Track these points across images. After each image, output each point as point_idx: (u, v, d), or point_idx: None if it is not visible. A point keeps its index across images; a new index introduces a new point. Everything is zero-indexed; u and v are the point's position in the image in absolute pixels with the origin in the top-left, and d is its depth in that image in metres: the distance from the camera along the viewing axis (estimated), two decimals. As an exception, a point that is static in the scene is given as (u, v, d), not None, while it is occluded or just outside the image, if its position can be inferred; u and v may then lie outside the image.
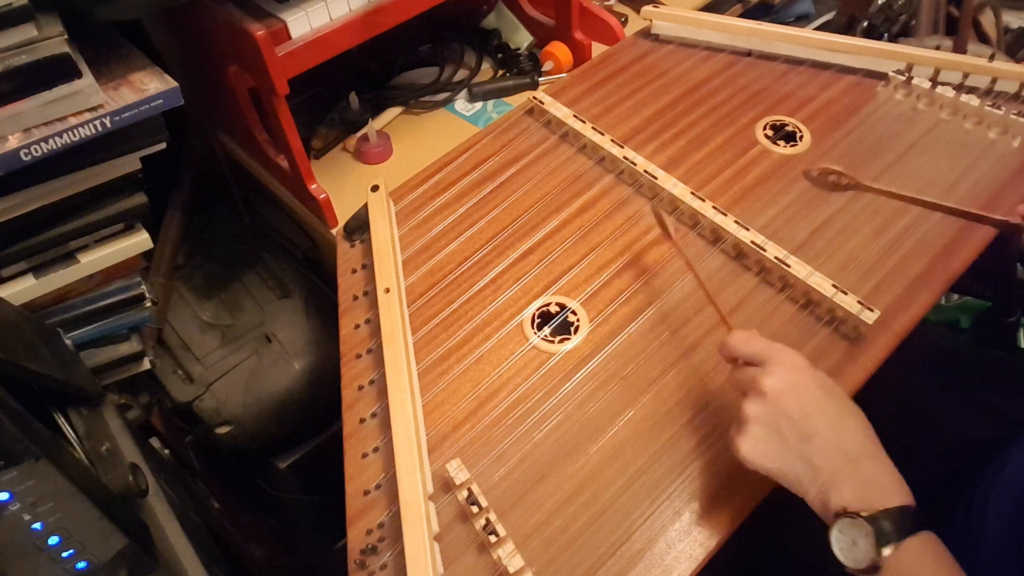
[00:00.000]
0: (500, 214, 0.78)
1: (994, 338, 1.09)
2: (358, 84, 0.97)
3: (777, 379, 0.51)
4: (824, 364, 0.62)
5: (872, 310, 0.63)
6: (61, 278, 0.71)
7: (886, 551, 0.45)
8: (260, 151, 0.87)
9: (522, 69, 1.01)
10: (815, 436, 0.49)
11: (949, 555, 0.46)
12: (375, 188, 0.79)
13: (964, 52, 1.29)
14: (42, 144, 0.60)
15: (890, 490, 0.47)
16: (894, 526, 0.45)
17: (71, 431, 0.64)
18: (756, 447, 0.51)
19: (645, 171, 0.76)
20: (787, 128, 0.82)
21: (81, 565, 0.51)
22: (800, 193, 0.75)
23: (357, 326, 0.70)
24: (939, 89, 0.81)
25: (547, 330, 0.68)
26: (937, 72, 0.82)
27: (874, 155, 0.78)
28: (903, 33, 1.44)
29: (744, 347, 0.54)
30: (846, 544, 0.46)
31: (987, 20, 1.41)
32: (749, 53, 0.92)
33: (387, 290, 0.69)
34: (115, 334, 0.78)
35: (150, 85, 0.65)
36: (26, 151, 0.60)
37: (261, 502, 1.01)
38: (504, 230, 0.76)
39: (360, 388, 0.66)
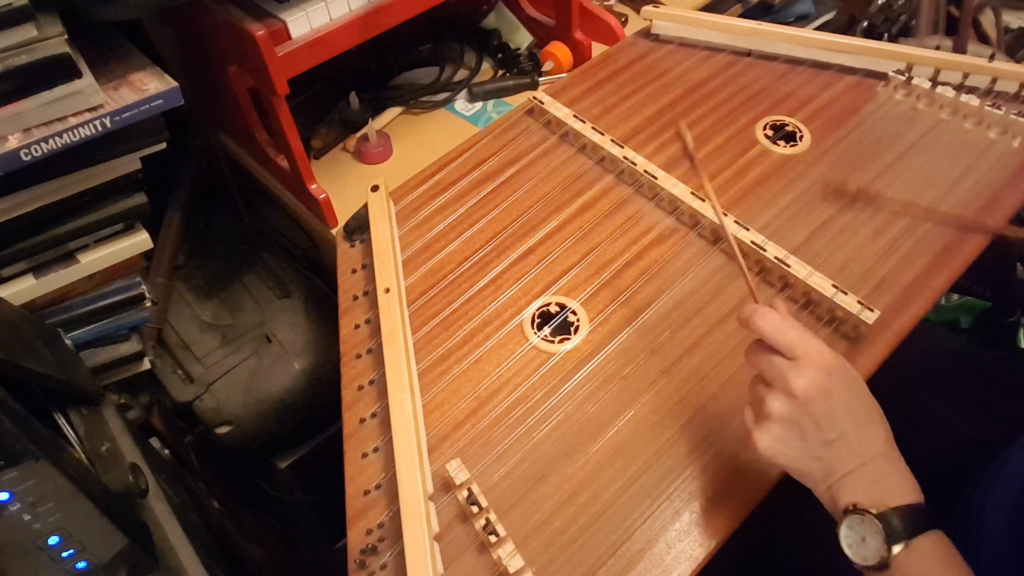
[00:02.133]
0: (500, 214, 0.78)
1: (994, 338, 1.10)
2: (358, 84, 0.97)
3: (809, 382, 0.48)
4: (824, 364, 0.61)
5: (872, 310, 0.63)
6: (61, 278, 0.71)
7: (896, 549, 0.44)
8: (260, 151, 0.87)
9: (522, 69, 1.01)
10: (837, 441, 0.48)
11: (958, 555, 0.46)
12: (375, 188, 0.79)
13: (964, 52, 1.28)
14: (42, 144, 0.60)
15: (901, 488, 0.47)
16: (904, 524, 0.45)
17: (71, 431, 0.64)
18: (775, 445, 0.50)
19: (645, 171, 0.76)
20: (787, 128, 0.82)
21: (81, 565, 0.52)
22: (800, 193, 0.75)
23: (357, 326, 0.70)
24: (939, 89, 0.81)
25: (547, 330, 0.68)
26: (937, 72, 0.82)
27: (874, 155, 0.78)
28: (903, 33, 1.44)
29: (777, 334, 0.50)
30: (855, 541, 0.46)
31: (987, 20, 1.41)
32: (749, 53, 0.92)
33: (387, 290, 0.69)
34: (115, 334, 0.78)
35: (150, 85, 0.65)
36: (26, 151, 0.60)
37: (261, 502, 1.01)
38: (504, 230, 0.76)
39: (360, 388, 0.66)
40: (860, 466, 0.48)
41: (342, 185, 0.89)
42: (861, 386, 0.51)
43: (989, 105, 0.79)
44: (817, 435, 0.49)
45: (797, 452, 0.49)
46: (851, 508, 0.46)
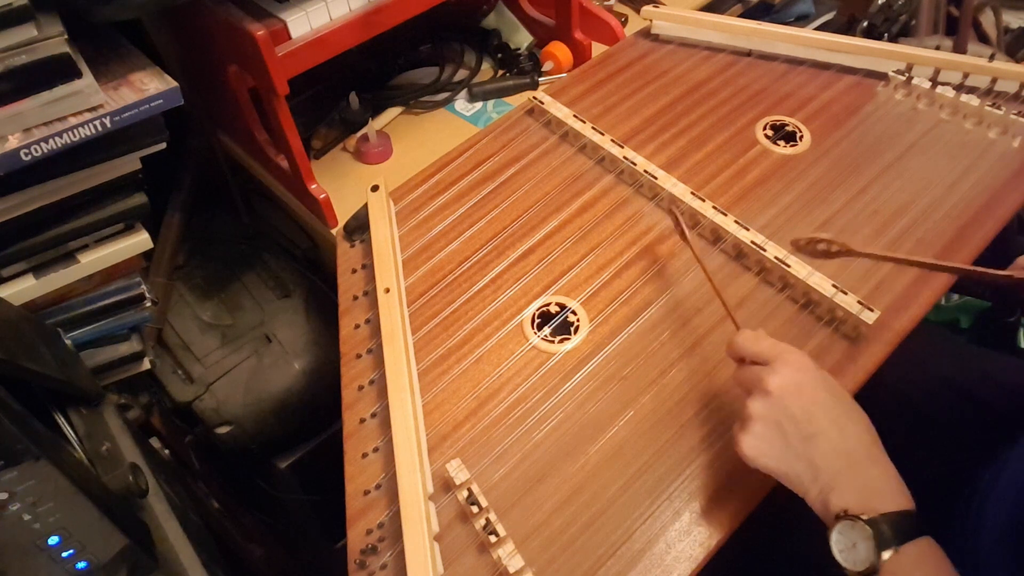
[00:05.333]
0: (500, 214, 0.78)
1: (994, 338, 1.10)
2: (358, 84, 0.97)
3: (782, 378, 0.51)
4: (824, 364, 0.61)
5: (872, 310, 0.63)
6: (61, 278, 0.71)
7: (885, 555, 0.45)
8: (260, 151, 0.87)
9: (522, 69, 1.01)
10: (818, 437, 0.49)
11: (948, 562, 0.46)
12: (375, 188, 0.79)
13: (964, 52, 1.28)
14: (42, 144, 0.60)
15: (891, 494, 0.47)
16: (894, 530, 0.45)
17: (71, 431, 0.64)
18: (758, 446, 0.51)
19: (645, 171, 0.76)
20: (787, 128, 0.82)
21: (81, 565, 0.52)
22: (800, 193, 0.75)
23: (357, 326, 0.70)
24: (939, 89, 0.81)
25: (547, 330, 0.68)
26: (937, 72, 0.82)
27: (874, 155, 0.78)
28: (903, 33, 1.44)
29: (751, 346, 0.54)
30: (846, 546, 0.46)
31: (987, 20, 1.41)
32: (749, 53, 0.92)
33: (387, 290, 0.69)
34: (115, 334, 0.78)
35: (150, 85, 0.65)
36: (26, 151, 0.60)
37: (261, 502, 1.01)
38: (504, 230, 0.76)
39: (360, 388, 0.66)
40: (848, 467, 0.48)
41: (342, 185, 0.89)
42: (835, 384, 0.52)
43: (989, 105, 0.79)
44: (796, 432, 0.50)
45: (780, 452, 0.50)
46: (842, 514, 0.47)
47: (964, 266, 0.65)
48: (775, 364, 0.52)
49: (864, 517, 0.46)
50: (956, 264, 0.64)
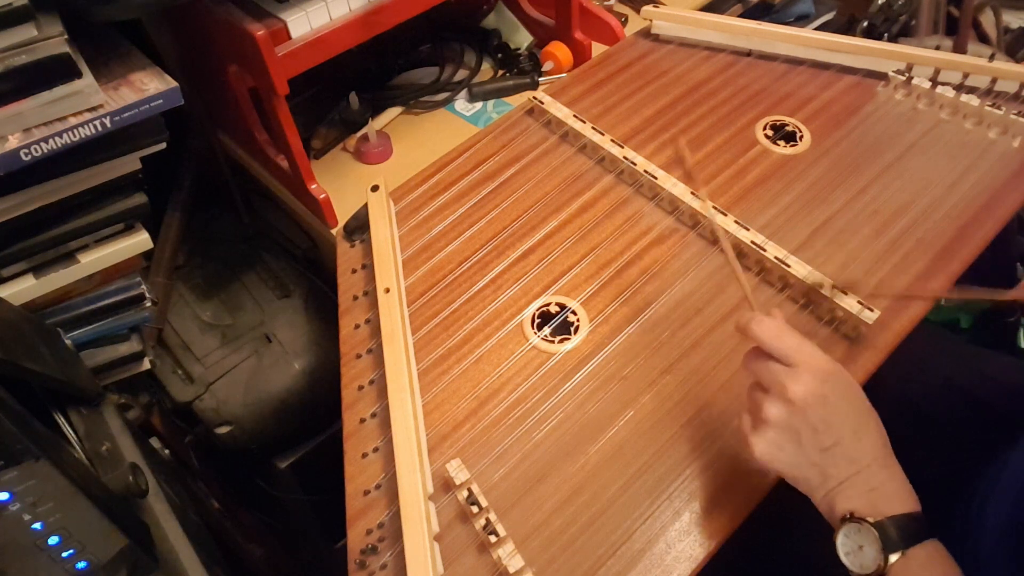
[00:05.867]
0: (500, 214, 0.78)
1: (994, 338, 1.09)
2: (358, 84, 0.97)
3: (805, 387, 0.48)
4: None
5: (872, 310, 0.63)
6: (61, 278, 0.71)
7: (892, 558, 0.44)
8: (260, 151, 0.87)
9: (522, 69, 1.01)
10: (833, 447, 0.48)
11: (955, 565, 0.46)
12: (375, 188, 0.79)
13: (964, 52, 1.29)
14: (42, 144, 0.60)
15: (898, 497, 0.47)
16: (900, 533, 0.45)
17: (71, 431, 0.64)
18: (771, 451, 0.50)
19: (645, 171, 0.76)
20: (787, 128, 0.82)
21: (81, 565, 0.52)
22: (800, 193, 0.75)
23: (357, 326, 0.70)
24: (939, 89, 0.81)
25: (547, 330, 0.68)
26: (937, 72, 0.82)
27: (874, 155, 0.78)
28: (903, 33, 1.44)
29: (773, 341, 0.51)
30: (852, 549, 0.46)
31: (987, 20, 1.41)
32: (749, 53, 0.92)
33: (387, 290, 0.69)
34: (115, 334, 0.78)
35: (150, 85, 0.65)
36: (26, 151, 0.60)
37: (261, 502, 1.01)
38: (504, 230, 0.76)
39: (360, 388, 0.66)
40: (856, 473, 0.48)
41: (342, 185, 0.89)
42: (857, 392, 0.51)
43: (989, 105, 0.79)
44: (813, 441, 0.49)
45: (793, 458, 0.49)
46: (848, 516, 0.46)
47: (993, 293, 0.64)
48: (799, 370, 0.49)
49: (870, 519, 0.45)
50: (987, 293, 0.64)
